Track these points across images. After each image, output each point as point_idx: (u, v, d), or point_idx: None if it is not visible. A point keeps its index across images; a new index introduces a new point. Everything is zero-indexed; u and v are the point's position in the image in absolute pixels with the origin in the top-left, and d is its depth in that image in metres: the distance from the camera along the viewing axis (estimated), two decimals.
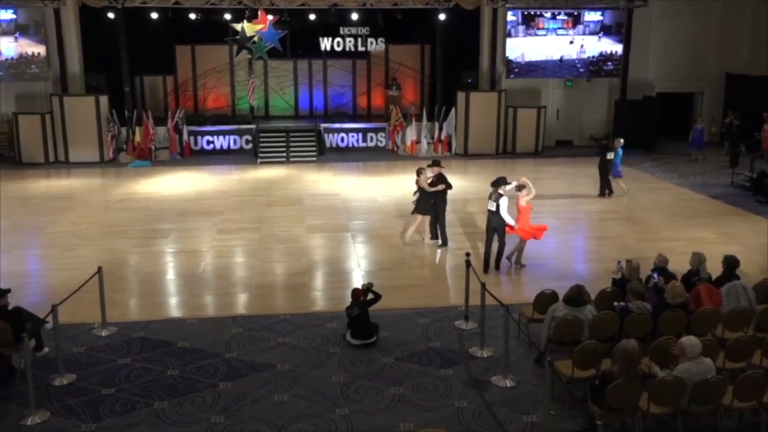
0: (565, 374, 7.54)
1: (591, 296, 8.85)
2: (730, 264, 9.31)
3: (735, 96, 24.52)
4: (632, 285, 8.54)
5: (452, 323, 9.87)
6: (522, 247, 12.07)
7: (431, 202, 13.10)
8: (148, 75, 25.08)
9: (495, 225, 11.76)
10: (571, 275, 11.54)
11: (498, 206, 11.63)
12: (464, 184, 18.87)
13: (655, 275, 9.07)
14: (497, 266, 11.98)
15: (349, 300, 9.41)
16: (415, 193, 13.37)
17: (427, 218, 13.37)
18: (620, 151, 17.40)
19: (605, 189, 17.29)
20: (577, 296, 8.27)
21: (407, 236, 13.71)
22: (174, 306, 10.77)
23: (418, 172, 13.19)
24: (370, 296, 9.32)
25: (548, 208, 16.04)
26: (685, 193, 17.99)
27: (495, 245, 11.95)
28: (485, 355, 8.89)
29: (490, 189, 11.79)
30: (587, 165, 21.01)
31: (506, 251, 12.03)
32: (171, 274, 12.14)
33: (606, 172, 17.26)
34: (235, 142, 23.32)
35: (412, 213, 13.56)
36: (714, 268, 9.64)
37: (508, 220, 11.68)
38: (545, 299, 8.90)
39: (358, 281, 11.58)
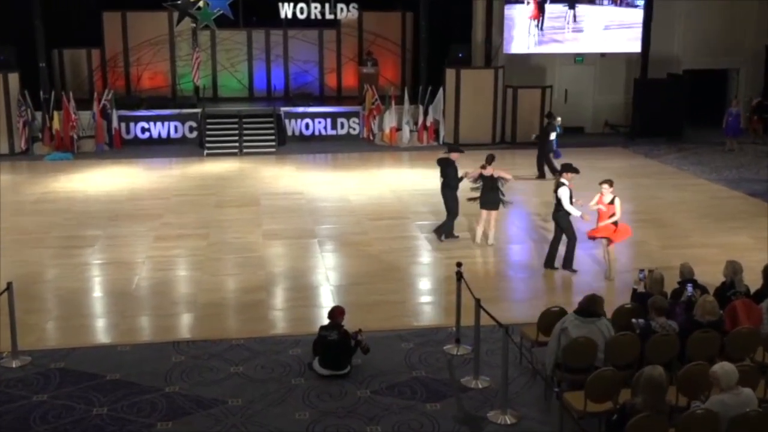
0: (577, 408, 7.57)
1: (606, 313, 8.91)
2: None
3: None
4: (654, 299, 8.61)
5: (440, 348, 9.86)
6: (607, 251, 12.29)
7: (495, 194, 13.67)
8: (69, 48, 24.87)
9: (555, 217, 12.39)
10: (582, 289, 11.60)
11: (557, 197, 12.13)
12: None
13: (689, 288, 9.15)
14: (565, 266, 12.42)
15: (318, 320, 9.40)
16: (475, 183, 13.64)
17: (494, 214, 13.73)
18: (559, 130, 19.14)
19: (553, 170, 18.01)
20: (589, 306, 8.32)
21: (477, 238, 13.92)
22: (102, 330, 10.65)
23: (489, 160, 13.62)
24: (361, 340, 9.23)
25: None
26: (718, 190, 18.21)
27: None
28: (480, 386, 8.90)
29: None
30: (603, 156, 21.23)
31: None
32: (98, 292, 12.03)
33: (548, 153, 18.72)
34: (176, 130, 23.20)
35: (481, 207, 13.85)
36: (753, 279, 9.74)
37: (573, 211, 12.12)
38: (551, 318, 8.92)
39: (326, 298, 11.57)
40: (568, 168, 12.34)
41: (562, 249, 12.57)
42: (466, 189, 13.92)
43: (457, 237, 14.21)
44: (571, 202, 12.15)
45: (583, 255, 12.99)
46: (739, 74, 26.09)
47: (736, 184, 18.54)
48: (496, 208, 13.70)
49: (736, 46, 25.59)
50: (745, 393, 6.92)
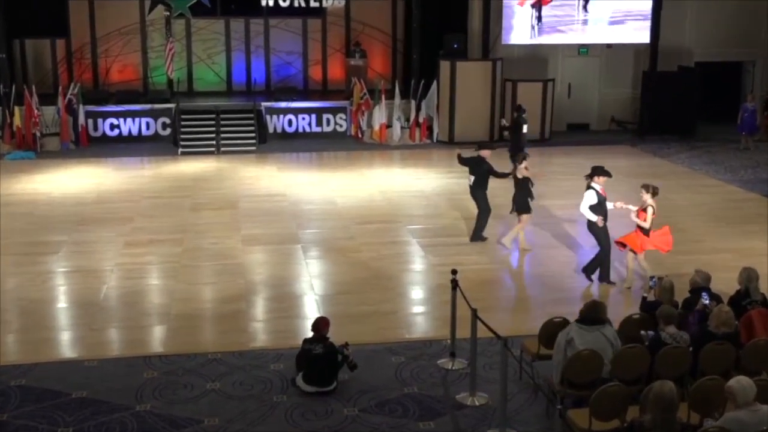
0: (581, 427, 7.59)
1: (613, 324, 8.93)
2: None
3: None
4: (663, 309, 8.64)
5: (434, 362, 9.87)
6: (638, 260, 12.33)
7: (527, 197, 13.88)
8: (32, 37, 24.81)
9: (589, 228, 12.43)
10: (587, 298, 11.63)
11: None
12: (448, 181, 18.95)
13: (706, 296, 9.18)
14: (598, 276, 12.48)
15: (301, 333, 9.37)
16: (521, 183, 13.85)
17: (526, 217, 13.94)
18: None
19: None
20: (592, 313, 8.35)
21: (507, 242, 14.08)
22: (66, 344, 10.62)
23: (521, 159, 13.86)
24: (348, 355, 9.23)
25: (560, 211, 16.19)
26: (733, 191, 18.30)
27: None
28: (477, 403, 8.90)
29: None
30: (609, 155, 21.26)
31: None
32: (62, 302, 11.98)
33: (521, 148, 18.86)
34: (148, 127, 23.18)
35: (511, 212, 14.12)
36: None
37: (588, 215, 12.16)
38: (553, 329, 8.94)
39: (310, 308, 11.57)
40: (601, 171, 12.31)
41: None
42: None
43: (486, 239, 14.40)
44: (600, 209, 12.14)
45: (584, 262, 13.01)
46: (755, 67, 26.24)
47: (752, 185, 18.64)
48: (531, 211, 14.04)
49: (752, 37, 25.74)
50: (764, 410, 6.94)
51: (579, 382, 8.18)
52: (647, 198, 12.04)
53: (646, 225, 12.00)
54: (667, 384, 6.74)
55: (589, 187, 12.24)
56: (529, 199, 13.89)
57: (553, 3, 23.77)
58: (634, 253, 12.20)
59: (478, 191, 14.32)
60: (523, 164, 13.83)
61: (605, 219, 12.21)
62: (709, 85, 24.96)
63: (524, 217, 13.95)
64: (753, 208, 16.89)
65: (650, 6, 23.95)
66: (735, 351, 8.36)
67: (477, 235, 14.49)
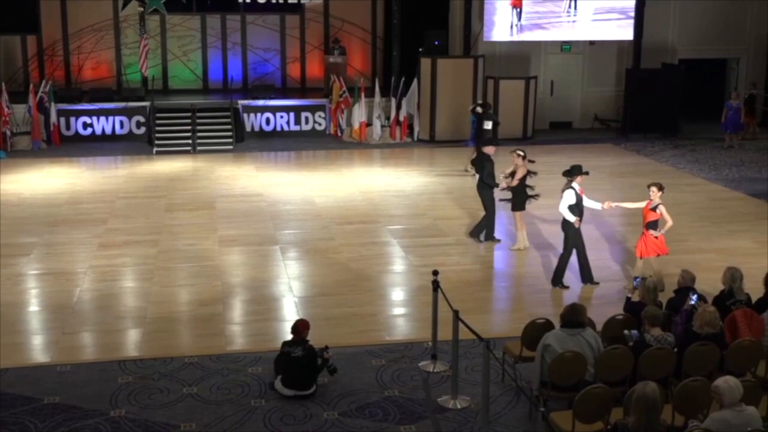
0: (564, 430, 7.62)
1: (597, 325, 8.98)
2: None
3: None
4: (648, 311, 8.70)
5: (415, 364, 9.88)
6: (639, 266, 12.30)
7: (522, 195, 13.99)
8: (1, 34, 24.61)
9: (562, 227, 12.37)
10: (570, 299, 11.69)
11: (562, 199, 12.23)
12: (429, 180, 19.00)
13: (694, 297, 9.25)
14: (581, 277, 12.48)
15: (280, 336, 9.35)
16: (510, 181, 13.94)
17: (519, 215, 14.08)
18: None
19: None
20: (572, 316, 8.39)
21: (524, 242, 14.18)
22: (38, 348, 10.56)
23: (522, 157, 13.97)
24: (328, 359, 9.24)
25: (542, 210, 16.22)
26: (717, 190, 18.43)
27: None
28: (459, 406, 8.93)
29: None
30: (592, 154, 21.39)
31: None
32: (34, 305, 11.92)
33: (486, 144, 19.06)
34: (122, 126, 23.09)
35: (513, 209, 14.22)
36: (755, 287, 9.87)
37: (567, 215, 12.14)
38: (536, 331, 8.98)
39: (289, 311, 11.56)
40: (580, 171, 12.28)
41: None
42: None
43: (500, 240, 14.48)
44: (577, 209, 12.16)
45: (576, 264, 13.05)
46: (739, 64, 26.43)
47: (737, 184, 18.78)
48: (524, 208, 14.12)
49: (736, 34, 25.93)
50: (749, 411, 6.99)
51: (563, 385, 8.23)
52: (656, 197, 11.99)
53: (670, 222, 11.95)
54: (650, 385, 6.79)
55: (568, 186, 12.22)
56: (531, 197, 14.00)
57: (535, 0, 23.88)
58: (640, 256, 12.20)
59: (483, 190, 14.41)
60: (522, 162, 13.88)
61: (581, 219, 12.21)
62: (693, 83, 25.13)
63: (517, 214, 14.05)
64: (737, 207, 17.02)
65: (633, 3, 24.07)
66: (719, 352, 8.42)
67: (476, 232, 14.50)
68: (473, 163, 14.60)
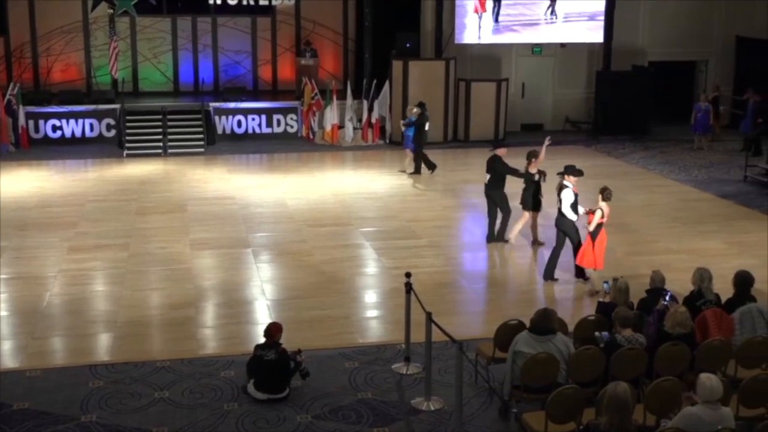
0: (537, 430, 7.67)
1: (569, 326, 9.04)
2: (744, 282, 9.63)
3: (748, 66, 25.48)
4: (619, 312, 8.75)
5: (388, 367, 9.90)
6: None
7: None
8: None
9: (559, 225, 12.48)
10: (543, 300, 11.75)
11: (560, 200, 12.26)
12: (401, 183, 19.03)
13: (667, 297, 9.34)
14: (578, 275, 12.57)
15: (252, 339, 9.31)
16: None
17: (528, 215, 14.20)
18: (412, 119, 19.51)
19: (430, 164, 19.60)
20: (542, 321, 8.42)
21: (512, 238, 14.32)
22: (7, 353, 10.45)
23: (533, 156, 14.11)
24: (300, 362, 9.23)
25: (514, 212, 16.31)
26: (687, 191, 18.60)
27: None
28: (432, 408, 8.95)
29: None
30: (563, 156, 21.40)
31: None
32: (3, 310, 11.78)
33: (423, 145, 19.68)
34: (92, 128, 22.92)
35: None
36: (725, 287, 9.99)
37: (570, 214, 12.28)
38: (509, 332, 9.02)
39: (262, 314, 11.54)
40: (572, 170, 12.47)
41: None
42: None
43: (507, 241, 14.50)
44: (576, 209, 12.33)
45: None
46: (708, 66, 26.69)
47: (706, 185, 18.96)
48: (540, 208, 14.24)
49: (705, 37, 26.20)
50: (724, 411, 7.06)
51: (535, 386, 8.27)
52: (600, 200, 12.09)
53: (590, 227, 11.99)
54: (621, 385, 6.84)
55: (563, 186, 12.33)
56: (540, 196, 14.10)
57: (506, 2, 23.96)
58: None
59: (495, 191, 14.47)
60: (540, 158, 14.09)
61: (578, 216, 12.41)
62: (662, 85, 25.36)
63: (526, 213, 14.20)
64: (707, 208, 17.19)
65: (603, 6, 24.25)
66: (690, 351, 8.50)
67: (497, 236, 14.55)
68: (487, 165, 14.62)
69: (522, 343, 8.36)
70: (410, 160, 19.83)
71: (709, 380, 6.97)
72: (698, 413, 6.94)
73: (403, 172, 19.81)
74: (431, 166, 19.72)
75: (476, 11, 23.87)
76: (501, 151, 14.68)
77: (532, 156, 14.09)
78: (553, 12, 24.24)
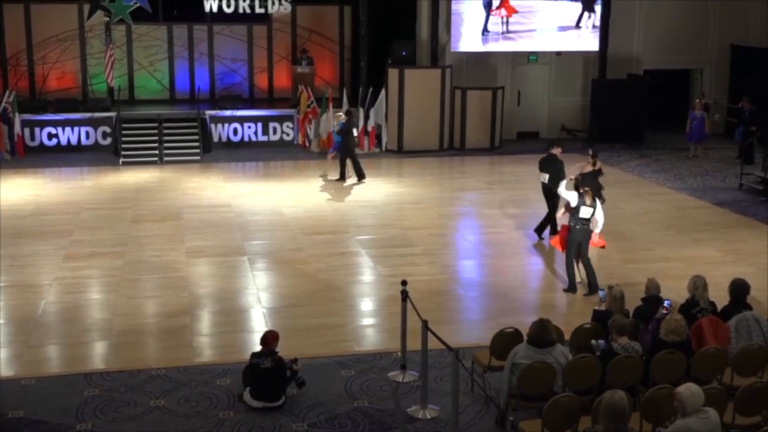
0: None
1: (565, 334, 9.04)
2: (740, 290, 9.63)
3: (743, 74, 25.54)
4: (615, 320, 8.76)
5: (385, 375, 9.89)
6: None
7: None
8: None
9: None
10: (539, 308, 11.75)
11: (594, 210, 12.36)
12: (398, 191, 19.04)
13: (667, 304, 9.33)
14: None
15: (248, 347, 9.30)
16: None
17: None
18: (342, 125, 19.59)
19: (360, 173, 19.61)
20: (540, 334, 8.41)
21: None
22: (2, 361, 10.40)
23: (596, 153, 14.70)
24: (297, 370, 9.23)
25: (510, 220, 16.35)
26: (682, 199, 18.62)
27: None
28: (428, 416, 8.94)
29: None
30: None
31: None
32: None
33: (353, 151, 19.90)
34: (88, 136, 22.91)
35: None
36: (719, 295, 9.98)
37: (564, 194, 12.77)
38: (505, 340, 9.04)
39: (258, 322, 11.52)
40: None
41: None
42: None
43: (543, 239, 14.76)
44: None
45: (546, 270, 13.14)
46: (703, 75, 26.76)
47: (702, 193, 18.99)
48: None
49: (700, 45, 26.25)
50: (712, 415, 7.07)
51: (531, 394, 8.27)
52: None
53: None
54: (618, 393, 6.84)
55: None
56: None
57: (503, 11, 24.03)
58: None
59: (556, 188, 14.43)
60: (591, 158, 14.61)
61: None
62: (657, 93, 25.40)
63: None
64: (702, 216, 17.21)
65: (599, 14, 24.32)
66: (686, 359, 8.51)
67: (541, 229, 14.88)
68: (542, 164, 14.78)
69: (522, 356, 8.35)
70: (336, 164, 19.94)
71: (687, 389, 6.95)
72: (689, 424, 6.93)
73: (325, 176, 19.96)
74: (361, 176, 19.67)
75: (500, 14, 23.88)
76: (557, 150, 14.86)
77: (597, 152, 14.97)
78: (588, 17, 24.33)
